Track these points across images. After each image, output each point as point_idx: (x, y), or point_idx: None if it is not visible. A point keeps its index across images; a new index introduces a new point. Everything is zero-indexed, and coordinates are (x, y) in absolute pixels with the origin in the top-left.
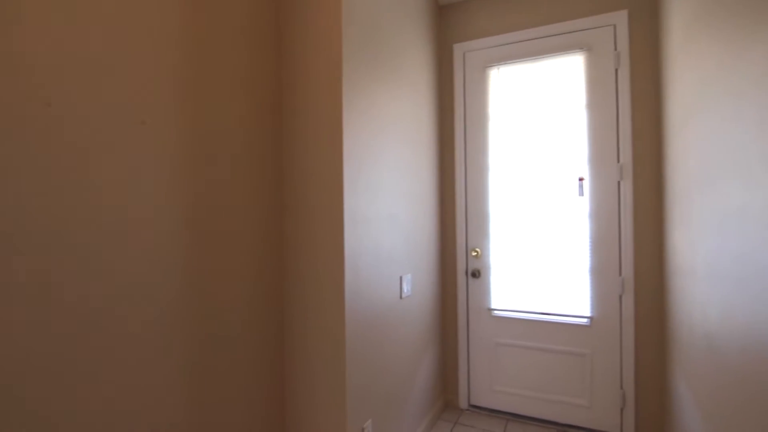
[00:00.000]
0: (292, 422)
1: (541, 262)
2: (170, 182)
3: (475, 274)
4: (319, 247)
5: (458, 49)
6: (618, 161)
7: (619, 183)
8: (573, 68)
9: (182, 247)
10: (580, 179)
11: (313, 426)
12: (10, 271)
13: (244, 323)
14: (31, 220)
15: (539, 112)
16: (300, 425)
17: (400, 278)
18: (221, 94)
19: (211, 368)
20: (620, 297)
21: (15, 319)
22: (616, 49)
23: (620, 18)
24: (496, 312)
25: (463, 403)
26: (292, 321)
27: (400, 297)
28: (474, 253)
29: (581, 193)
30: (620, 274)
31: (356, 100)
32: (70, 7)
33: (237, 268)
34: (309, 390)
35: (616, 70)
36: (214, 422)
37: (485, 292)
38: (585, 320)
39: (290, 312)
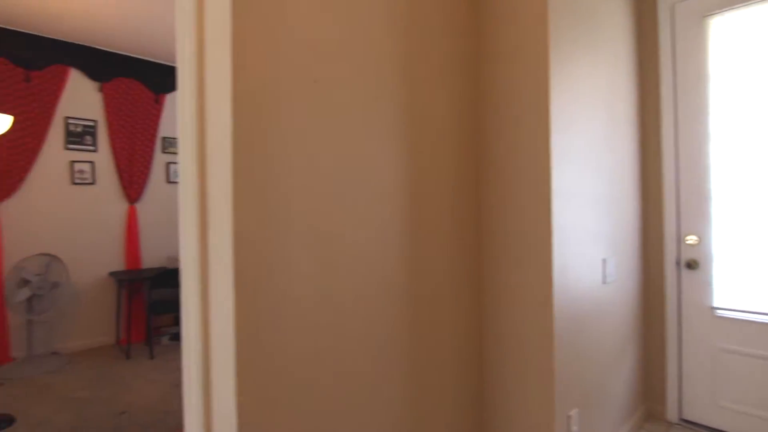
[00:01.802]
0: (491, 408)
1: None
2: (399, 155)
3: (691, 265)
4: (524, 222)
5: (663, 1)
6: None
7: None
8: None
9: (405, 230)
10: None
11: (519, 409)
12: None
13: (449, 323)
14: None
15: None
16: (502, 410)
17: (603, 261)
18: (432, 70)
19: (423, 368)
20: None
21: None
22: None
23: None
24: (720, 312)
25: (671, 416)
26: (490, 304)
27: (603, 282)
28: (690, 240)
29: None
30: None
31: (558, 67)
32: (327, 7)
33: (443, 256)
34: (511, 374)
35: None
36: (424, 400)
37: (705, 288)
38: None
39: (489, 295)
